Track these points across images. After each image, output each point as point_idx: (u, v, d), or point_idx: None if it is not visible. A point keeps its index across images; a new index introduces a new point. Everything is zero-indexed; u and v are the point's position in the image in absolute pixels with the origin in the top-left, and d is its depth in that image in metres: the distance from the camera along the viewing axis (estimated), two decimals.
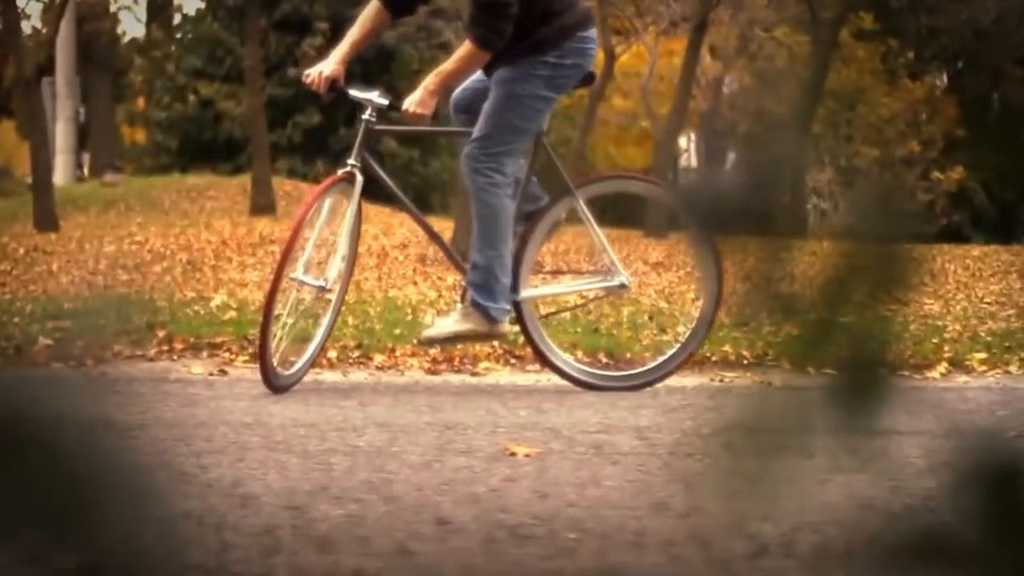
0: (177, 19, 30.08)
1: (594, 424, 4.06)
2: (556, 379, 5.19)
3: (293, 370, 4.75)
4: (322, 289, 4.74)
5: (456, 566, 2.29)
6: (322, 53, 26.33)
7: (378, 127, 4.92)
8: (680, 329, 5.40)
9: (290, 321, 4.70)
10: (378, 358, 5.61)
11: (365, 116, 4.83)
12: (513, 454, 3.46)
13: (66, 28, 22.91)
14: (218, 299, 7.79)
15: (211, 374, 5.22)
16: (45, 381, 1.04)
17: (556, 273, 5.39)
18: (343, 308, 5.33)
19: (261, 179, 16.80)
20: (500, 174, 4.79)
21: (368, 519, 2.63)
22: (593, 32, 4.96)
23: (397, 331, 6.28)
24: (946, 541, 1.03)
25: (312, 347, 4.87)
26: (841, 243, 1.06)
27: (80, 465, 1.00)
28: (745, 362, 5.73)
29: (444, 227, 14.07)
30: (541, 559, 2.34)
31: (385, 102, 4.83)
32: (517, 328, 5.08)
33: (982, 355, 6.00)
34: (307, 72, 4.94)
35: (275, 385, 4.62)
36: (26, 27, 25.36)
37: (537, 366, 5.48)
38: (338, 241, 4.81)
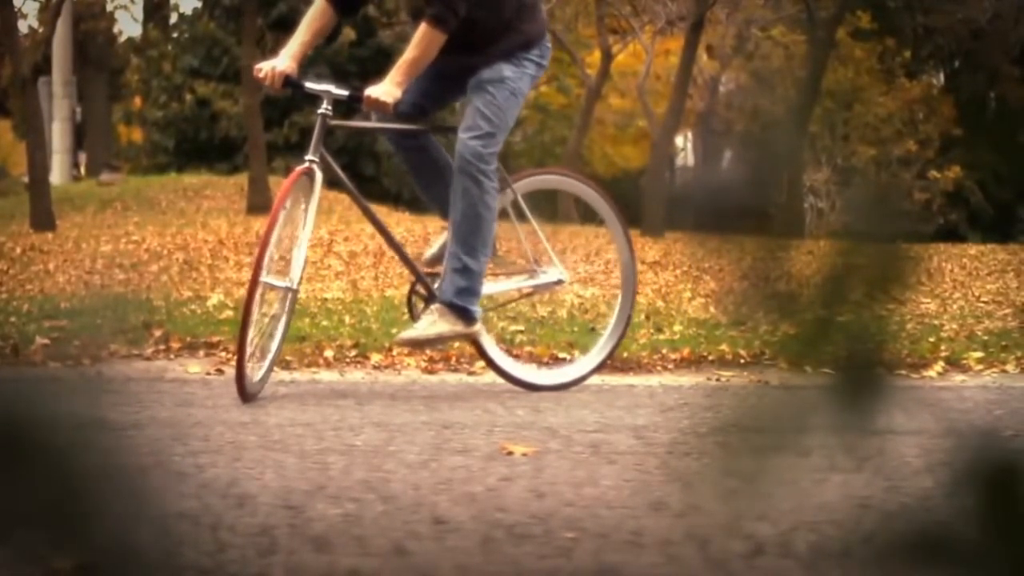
0: (173, 18, 30.03)
1: (591, 423, 4.06)
2: None
3: (260, 375, 4.55)
4: (288, 290, 4.58)
5: (453, 565, 2.29)
6: (318, 52, 26.39)
7: (334, 121, 4.75)
8: (600, 329, 5.38)
9: (263, 325, 4.56)
10: (375, 357, 5.60)
11: (321, 109, 4.67)
12: (510, 453, 3.46)
13: (62, 28, 22.90)
14: (215, 298, 7.78)
15: (208, 373, 5.22)
16: (42, 380, 1.04)
17: (491, 273, 5.20)
18: (340, 308, 5.33)
19: (258, 178, 16.80)
20: (496, 176, 4.75)
21: (365, 519, 2.63)
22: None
23: (394, 331, 6.27)
24: (943, 540, 1.03)
25: (274, 349, 4.66)
26: (838, 242, 1.06)
27: (76, 464, 1.00)
28: (742, 361, 5.73)
29: (441, 226, 14.07)
30: (538, 558, 2.34)
31: (344, 93, 4.69)
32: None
33: (979, 354, 6.01)
34: (259, 67, 4.78)
35: (248, 393, 4.42)
36: (23, 27, 25.34)
37: (534, 365, 5.48)
38: (299, 240, 4.62)
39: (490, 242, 4.77)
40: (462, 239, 4.73)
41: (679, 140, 28.35)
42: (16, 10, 14.35)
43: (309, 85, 4.75)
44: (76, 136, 28.41)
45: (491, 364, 4.99)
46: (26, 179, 16.22)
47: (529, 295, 5.68)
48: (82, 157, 30.64)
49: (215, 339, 5.88)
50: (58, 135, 25.71)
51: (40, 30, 24.19)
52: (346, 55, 24.20)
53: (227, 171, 23.40)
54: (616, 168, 31.34)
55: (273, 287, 4.55)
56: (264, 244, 4.42)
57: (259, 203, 16.46)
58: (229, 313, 6.97)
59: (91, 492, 0.99)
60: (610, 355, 5.21)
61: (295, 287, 4.60)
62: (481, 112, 4.72)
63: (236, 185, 19.64)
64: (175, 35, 28.00)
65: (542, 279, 5.13)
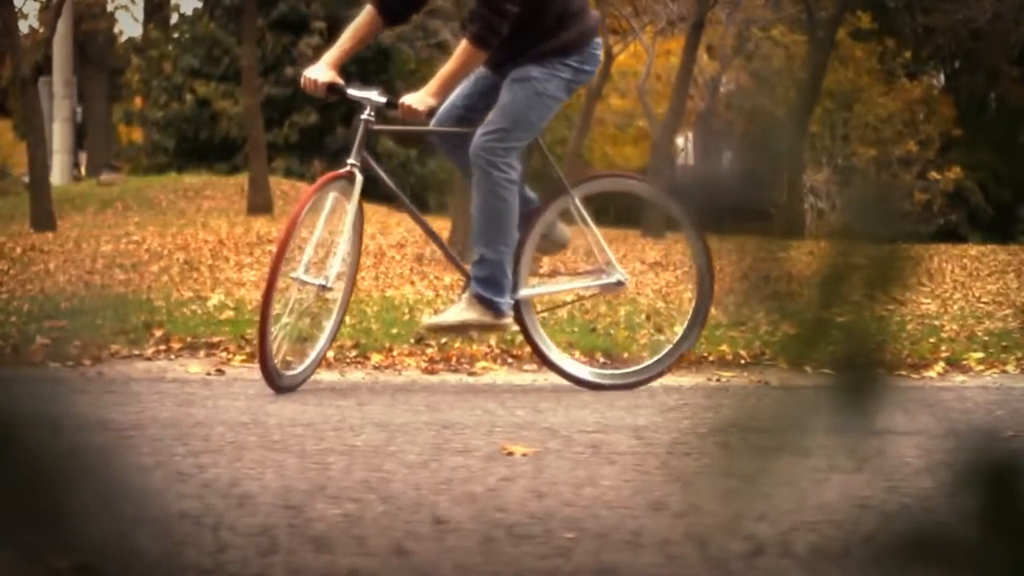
0: (174, 19, 30.05)
1: (591, 424, 4.06)
2: (553, 379, 5.19)
3: (299, 370, 4.76)
4: (323, 287, 4.74)
5: (453, 565, 2.29)
6: (319, 53, 26.24)
7: (377, 126, 4.94)
8: (675, 328, 5.42)
9: (291, 320, 4.71)
10: (375, 358, 5.60)
11: (364, 115, 4.85)
12: (510, 454, 3.46)
13: (63, 28, 22.89)
14: (215, 299, 7.78)
15: (208, 374, 5.22)
16: (42, 380, 1.04)
17: (554, 272, 5.42)
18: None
19: (258, 178, 16.79)
20: (514, 169, 4.84)
21: (365, 519, 2.63)
22: (600, 40, 5.10)
23: (394, 331, 6.27)
24: (943, 540, 1.03)
25: (318, 347, 4.88)
26: (838, 243, 1.06)
27: (77, 464, 1.00)
28: (742, 362, 5.73)
29: (441, 226, 14.08)
30: (538, 558, 2.34)
31: (383, 100, 4.85)
32: (516, 327, 5.08)
33: (979, 355, 6.00)
34: (303, 77, 4.96)
35: (278, 385, 4.62)
36: (23, 27, 25.33)
37: (535, 365, 5.48)
38: (338, 240, 4.82)
39: (507, 233, 4.86)
40: (478, 230, 4.89)
41: (679, 140, 28.32)
42: (17, 10, 14.35)
43: (351, 92, 4.93)
44: (76, 136, 28.40)
45: (545, 361, 5.08)
46: (26, 179, 16.23)
47: (592, 296, 5.81)
48: (82, 157, 30.62)
49: (216, 339, 5.88)
50: (58, 135, 25.71)
51: (41, 30, 24.19)
52: None
53: (227, 171, 23.39)
54: (616, 168, 31.35)
55: (306, 284, 4.72)
56: (285, 236, 4.61)
57: (259, 203, 16.46)
58: (230, 313, 6.97)
59: (92, 492, 0.99)
60: (677, 360, 5.18)
61: (328, 284, 4.76)
62: (500, 108, 4.85)
63: (236, 185, 19.63)
64: (176, 35, 27.98)
65: (603, 280, 5.20)
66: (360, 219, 4.98)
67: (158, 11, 31.23)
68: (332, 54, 4.99)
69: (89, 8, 29.98)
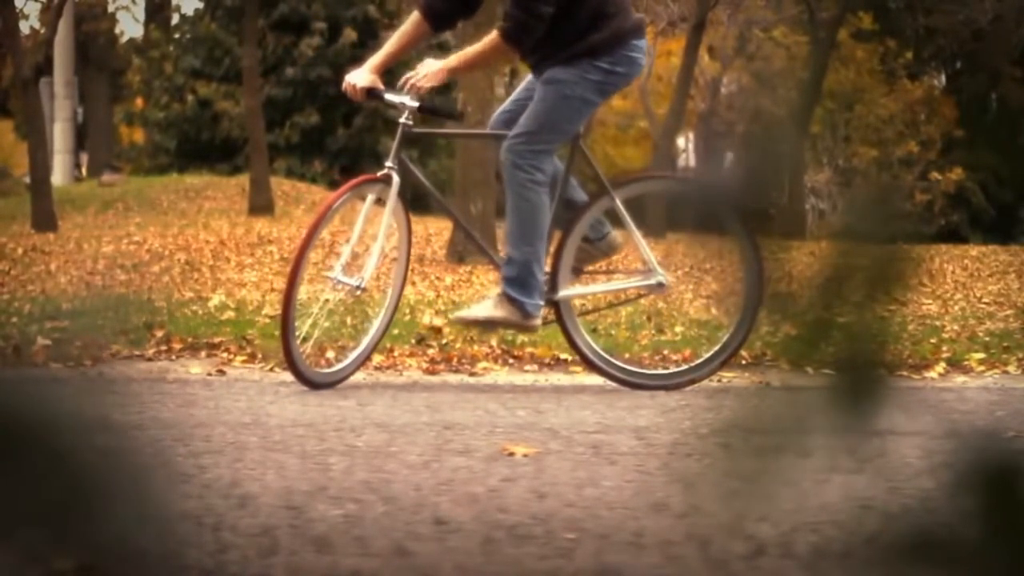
0: (175, 19, 30.10)
1: (592, 424, 4.06)
2: (554, 379, 5.19)
3: (336, 368, 4.90)
4: (358, 288, 4.85)
5: (454, 566, 2.29)
6: (320, 53, 26.27)
7: (416, 130, 5.00)
8: (721, 329, 5.41)
9: (324, 318, 4.84)
10: (376, 358, 5.60)
11: (402, 119, 4.92)
12: (511, 454, 3.46)
13: (64, 28, 22.90)
14: (216, 299, 7.78)
15: (209, 374, 5.22)
16: (43, 381, 1.04)
17: (595, 273, 5.45)
18: (341, 308, 5.31)
19: (259, 179, 16.81)
20: (540, 171, 4.86)
21: (366, 519, 2.63)
22: (644, 42, 5.05)
23: (395, 331, 6.27)
24: (944, 541, 1.03)
25: (361, 347, 4.98)
26: (839, 243, 1.06)
27: (78, 465, 1.00)
28: (743, 362, 5.73)
29: (442, 227, 14.09)
30: (539, 559, 2.34)
31: (415, 104, 4.91)
32: (535, 324, 5.08)
33: (980, 355, 6.00)
34: (344, 80, 5.08)
35: (310, 380, 4.74)
36: (24, 27, 25.36)
37: (535, 366, 5.48)
38: (374, 242, 4.90)
39: (532, 234, 4.88)
40: (508, 228, 4.96)
41: (680, 141, 28.33)
42: (18, 11, 14.36)
43: (388, 96, 5.01)
44: (78, 137, 28.44)
45: (586, 361, 5.05)
46: (28, 180, 16.25)
47: (633, 299, 5.85)
48: (84, 158, 30.66)
49: (217, 340, 5.88)
50: (60, 136, 25.74)
51: (42, 31, 24.19)
52: (348, 56, 24.22)
53: (228, 172, 23.42)
54: (618, 169, 31.35)
55: (341, 283, 4.87)
56: (306, 239, 4.74)
57: (260, 204, 16.48)
58: (231, 314, 6.97)
59: (93, 493, 0.99)
60: (723, 363, 5.11)
61: (363, 285, 4.88)
62: (529, 110, 4.91)
63: (237, 186, 19.64)
64: (176, 36, 28.02)
65: (644, 282, 5.21)
66: (405, 222, 5.07)
67: (159, 12, 31.27)
68: (376, 58, 5.06)
69: (90, 9, 30.02)
